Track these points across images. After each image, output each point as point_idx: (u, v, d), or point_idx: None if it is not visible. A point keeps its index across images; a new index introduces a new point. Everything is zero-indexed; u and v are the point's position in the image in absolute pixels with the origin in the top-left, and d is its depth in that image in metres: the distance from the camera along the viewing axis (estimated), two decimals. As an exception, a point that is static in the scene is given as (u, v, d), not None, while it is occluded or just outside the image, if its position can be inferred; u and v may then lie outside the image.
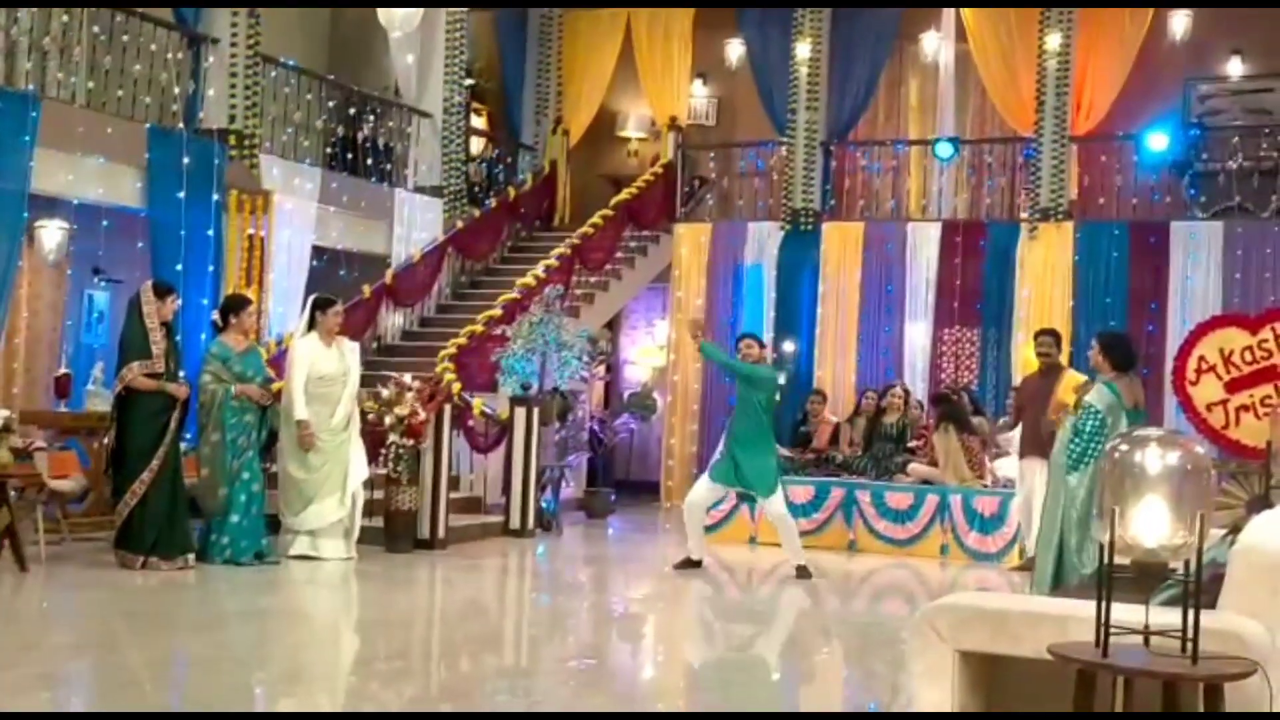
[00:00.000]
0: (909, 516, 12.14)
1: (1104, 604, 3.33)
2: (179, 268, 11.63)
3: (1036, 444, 10.56)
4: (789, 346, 15.64)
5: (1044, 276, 14.74)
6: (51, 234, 12.63)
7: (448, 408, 11.34)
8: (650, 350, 18.08)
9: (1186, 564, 3.41)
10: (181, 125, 12.30)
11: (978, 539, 11.87)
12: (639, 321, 18.40)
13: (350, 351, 10.31)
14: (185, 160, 11.75)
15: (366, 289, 13.93)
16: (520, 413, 12.35)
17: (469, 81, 16.51)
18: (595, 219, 15.67)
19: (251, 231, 12.46)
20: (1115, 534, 3.41)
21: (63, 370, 11.73)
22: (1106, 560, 3.41)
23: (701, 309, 15.87)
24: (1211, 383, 12.51)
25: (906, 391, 13.51)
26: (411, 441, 10.81)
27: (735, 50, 17.37)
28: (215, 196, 12.00)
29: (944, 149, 15.59)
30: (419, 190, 15.42)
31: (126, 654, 6.83)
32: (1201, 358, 12.63)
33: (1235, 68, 15.79)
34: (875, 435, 13.07)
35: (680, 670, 7.60)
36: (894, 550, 12.05)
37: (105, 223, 12.09)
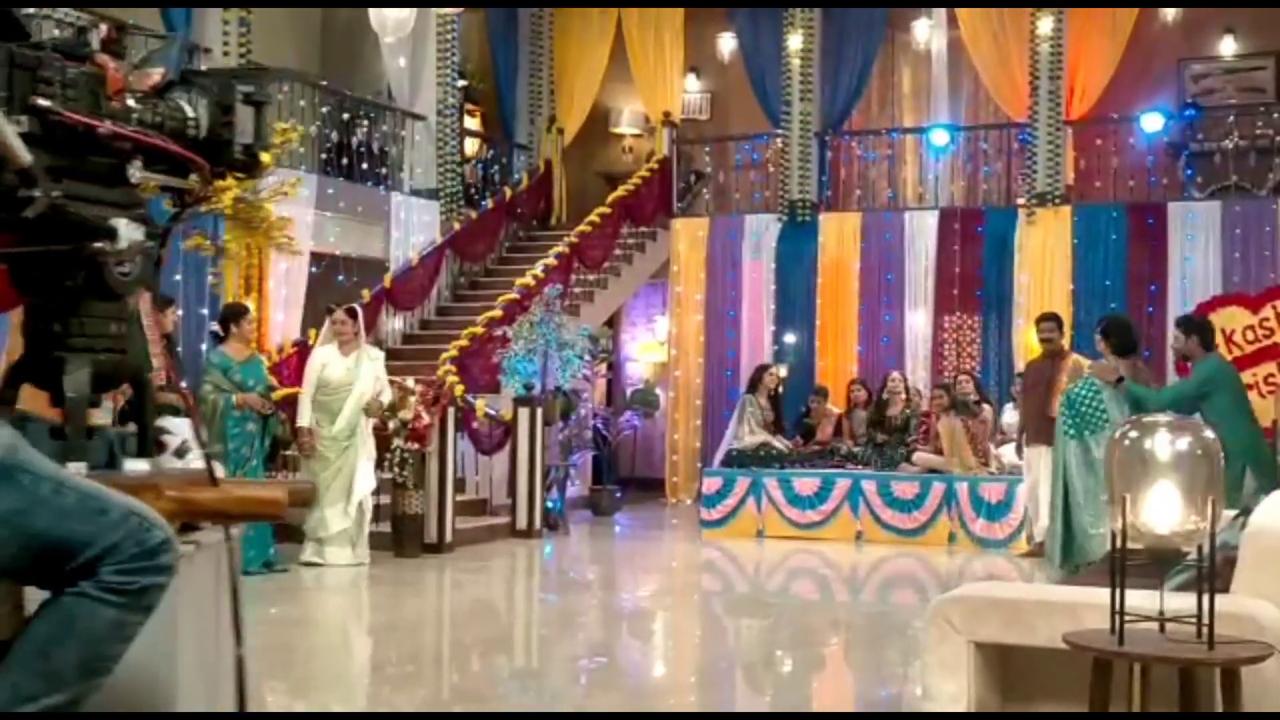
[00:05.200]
0: (915, 505, 12.12)
1: (1119, 591, 3.33)
2: (177, 278, 11.62)
3: (1041, 430, 10.57)
4: (790, 338, 15.66)
5: (1042, 261, 14.73)
6: (49, 248, 12.60)
7: (451, 410, 11.34)
8: (651, 346, 18.08)
9: (1199, 549, 3.41)
10: (176, 135, 12.26)
11: (985, 526, 11.85)
12: (639, 318, 18.39)
13: (369, 360, 10.29)
14: (181, 170, 11.73)
15: (365, 293, 13.92)
16: (524, 413, 12.35)
17: (461, 83, 16.49)
18: (592, 216, 15.66)
19: (249, 239, 12.43)
20: (1126, 520, 3.41)
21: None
22: (1119, 547, 3.41)
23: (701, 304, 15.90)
24: (1214, 362, 12.48)
25: (904, 379, 13.49)
26: (416, 445, 10.81)
27: (727, 44, 17.37)
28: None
29: (939, 137, 15.60)
30: (415, 193, 15.41)
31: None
32: (1203, 338, 12.60)
33: (1228, 46, 15.79)
34: (881, 427, 13.05)
35: (691, 666, 7.60)
36: (901, 540, 12.03)
37: (103, 235, 12.07)
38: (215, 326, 10.15)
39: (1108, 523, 8.43)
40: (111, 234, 2.36)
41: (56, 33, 11.30)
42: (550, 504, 12.70)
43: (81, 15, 9.99)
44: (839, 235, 15.68)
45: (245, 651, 2.60)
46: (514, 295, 13.96)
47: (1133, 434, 3.50)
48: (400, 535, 10.81)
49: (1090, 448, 8.67)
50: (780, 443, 13.19)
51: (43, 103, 2.26)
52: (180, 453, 2.69)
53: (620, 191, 16.24)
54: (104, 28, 2.44)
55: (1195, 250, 14.18)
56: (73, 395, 2.39)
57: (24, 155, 2.19)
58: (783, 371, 14.80)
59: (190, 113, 2.50)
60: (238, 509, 2.62)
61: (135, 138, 2.39)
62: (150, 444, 2.56)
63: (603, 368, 16.68)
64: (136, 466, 2.49)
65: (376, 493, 10.52)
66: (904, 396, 13.14)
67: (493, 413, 12.44)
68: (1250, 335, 12.34)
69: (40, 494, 2.13)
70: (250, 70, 2.63)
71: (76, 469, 2.27)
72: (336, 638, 8.34)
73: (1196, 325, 9.08)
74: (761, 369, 13.94)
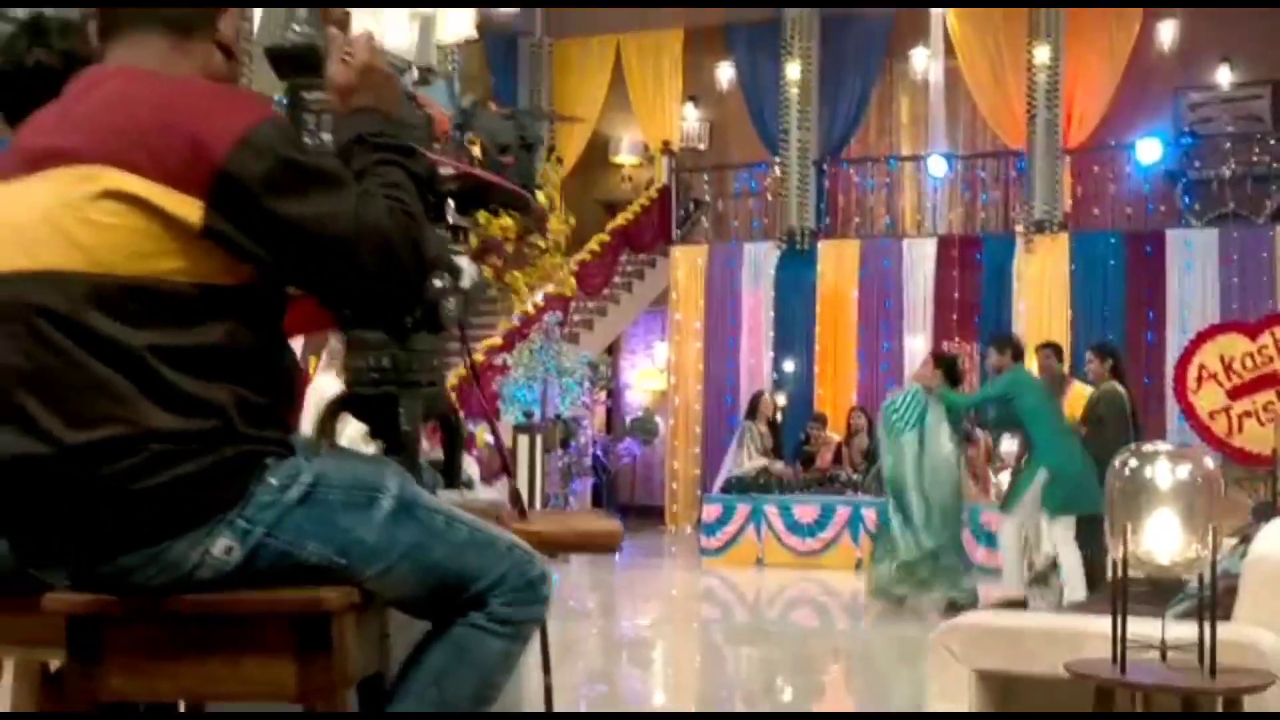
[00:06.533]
0: (915, 533, 12.08)
1: (1120, 620, 3.33)
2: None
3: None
4: (789, 365, 15.67)
5: (1040, 288, 14.76)
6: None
7: (451, 438, 11.33)
8: (650, 374, 18.09)
9: (1200, 577, 3.41)
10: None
11: (986, 554, 11.81)
12: (638, 345, 18.41)
13: None
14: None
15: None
16: (523, 440, 12.35)
17: (461, 111, 16.53)
18: (592, 244, 15.69)
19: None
20: (1127, 549, 3.41)
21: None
22: (1120, 575, 3.41)
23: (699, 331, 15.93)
24: (1213, 390, 12.49)
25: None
26: (415, 473, 10.80)
27: (726, 73, 17.44)
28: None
29: (937, 165, 15.68)
30: (415, 221, 15.42)
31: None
32: (1202, 365, 12.61)
33: (1225, 75, 15.84)
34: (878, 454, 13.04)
35: (691, 694, 7.58)
36: (901, 567, 11.99)
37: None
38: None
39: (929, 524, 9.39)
40: (458, 272, 2.38)
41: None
42: (549, 532, 12.67)
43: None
44: (837, 263, 15.71)
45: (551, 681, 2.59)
46: (514, 323, 13.98)
47: (1133, 463, 3.51)
48: (400, 563, 10.79)
49: (914, 443, 9.75)
50: (779, 467, 13.18)
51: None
52: (467, 484, 2.72)
53: (619, 219, 16.29)
54: (415, 70, 2.46)
55: (1193, 277, 14.21)
56: (408, 429, 2.41)
57: None
58: (780, 399, 14.81)
59: (476, 152, 2.53)
60: (577, 541, 2.60)
61: (483, 177, 2.40)
62: (458, 476, 2.57)
63: (602, 395, 16.70)
64: (448, 496, 2.49)
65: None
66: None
67: (492, 441, 12.43)
68: (1249, 363, 12.35)
69: (436, 527, 2.15)
70: (522, 111, 2.65)
71: None
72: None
73: (1010, 342, 10.12)
74: (757, 395, 13.96)
